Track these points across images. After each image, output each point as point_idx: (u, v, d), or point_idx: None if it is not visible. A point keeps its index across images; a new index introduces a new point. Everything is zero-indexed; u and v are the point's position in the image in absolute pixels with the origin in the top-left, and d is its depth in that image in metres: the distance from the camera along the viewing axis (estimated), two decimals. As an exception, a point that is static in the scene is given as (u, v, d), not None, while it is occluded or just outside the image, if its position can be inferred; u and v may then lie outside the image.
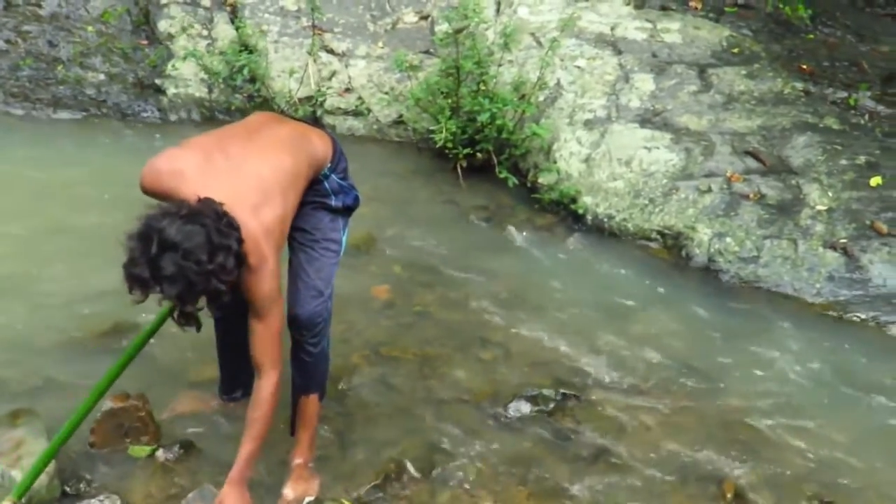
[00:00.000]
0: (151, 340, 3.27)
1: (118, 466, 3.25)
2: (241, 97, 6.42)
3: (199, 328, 2.79)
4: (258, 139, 2.98)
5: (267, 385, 2.93)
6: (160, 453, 3.32)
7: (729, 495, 3.49)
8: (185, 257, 2.50)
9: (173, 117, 6.36)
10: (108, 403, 3.33)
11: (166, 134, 6.05)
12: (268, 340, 2.90)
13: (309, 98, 6.46)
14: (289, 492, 3.24)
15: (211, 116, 6.42)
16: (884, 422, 4.06)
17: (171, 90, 6.45)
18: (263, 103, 6.31)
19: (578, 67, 6.24)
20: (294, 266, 3.19)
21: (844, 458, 3.76)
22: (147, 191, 2.84)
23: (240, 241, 2.62)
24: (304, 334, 3.16)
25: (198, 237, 2.52)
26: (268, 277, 2.79)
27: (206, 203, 2.61)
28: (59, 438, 2.98)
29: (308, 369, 3.22)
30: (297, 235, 3.17)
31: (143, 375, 3.64)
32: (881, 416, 4.09)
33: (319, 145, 3.13)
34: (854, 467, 3.71)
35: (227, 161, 2.83)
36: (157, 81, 6.49)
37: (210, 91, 6.46)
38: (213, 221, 2.56)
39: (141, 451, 3.31)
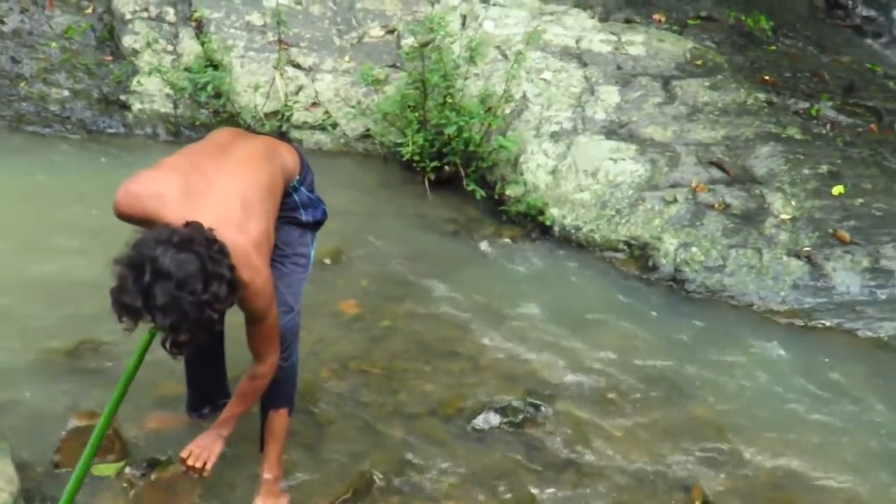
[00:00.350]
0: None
1: (85, 485, 3.20)
2: (206, 112, 6.39)
3: (189, 355, 2.81)
4: (231, 155, 2.96)
5: (270, 363, 3.02)
6: (128, 471, 3.29)
7: (697, 502, 3.52)
8: (180, 287, 2.46)
9: (139, 133, 6.32)
10: (73, 421, 3.30)
11: (132, 150, 6.01)
12: (269, 335, 2.97)
13: (275, 113, 6.44)
14: None
15: (177, 132, 6.39)
16: (850, 427, 4.10)
17: (137, 106, 6.41)
18: (230, 119, 6.29)
19: (544, 80, 6.27)
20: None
21: (811, 463, 3.80)
22: (123, 215, 2.79)
23: (231, 268, 2.59)
24: None
25: (191, 266, 2.47)
26: (263, 287, 2.80)
27: (197, 229, 2.57)
28: (75, 481, 2.91)
29: (278, 384, 3.19)
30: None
31: (105, 392, 3.61)
32: (847, 421, 4.13)
33: (289, 157, 3.15)
34: (821, 473, 3.75)
35: (205, 180, 2.81)
36: (122, 97, 6.45)
37: (175, 107, 6.43)
38: (206, 249, 2.52)
39: (107, 468, 3.29)
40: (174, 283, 2.45)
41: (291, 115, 6.46)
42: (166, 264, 2.45)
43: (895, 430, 4.09)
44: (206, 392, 3.53)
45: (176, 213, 2.66)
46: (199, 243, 2.52)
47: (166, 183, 2.77)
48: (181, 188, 2.75)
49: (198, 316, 2.50)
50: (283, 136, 6.39)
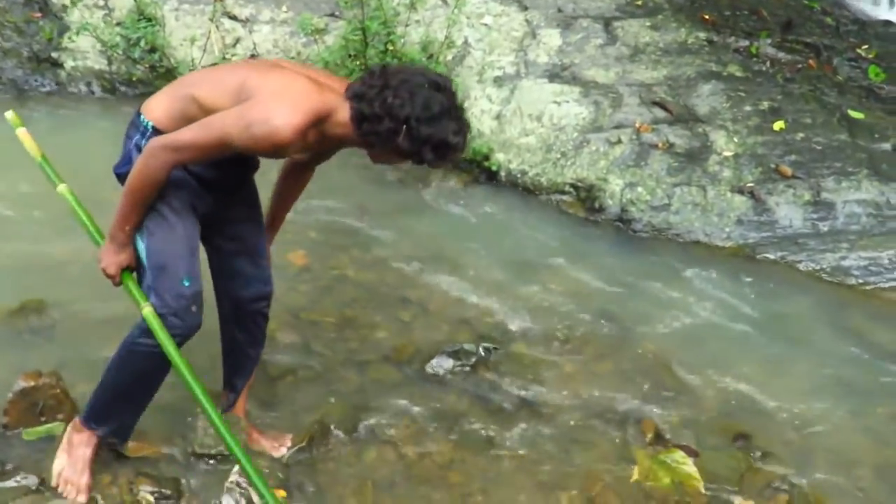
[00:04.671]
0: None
1: (35, 446, 3.17)
2: (142, 68, 6.25)
3: None
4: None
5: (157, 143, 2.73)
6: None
7: (649, 435, 3.57)
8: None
9: (73, 90, 6.17)
10: (20, 383, 3.24)
11: (67, 108, 5.88)
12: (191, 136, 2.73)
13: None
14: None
15: (112, 88, 6.24)
16: (793, 354, 4.19)
17: (69, 63, 6.25)
18: (167, 73, 6.16)
19: (485, 25, 6.23)
20: (254, 244, 3.15)
21: (758, 392, 3.88)
22: (298, 135, 2.60)
23: None
24: (267, 306, 3.23)
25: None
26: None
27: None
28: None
29: (265, 335, 3.26)
30: (252, 213, 3.15)
31: (53, 353, 3.57)
32: (792, 351, 4.22)
33: None
34: (768, 401, 3.83)
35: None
36: (54, 55, 6.27)
37: (110, 63, 6.27)
38: None
39: (58, 428, 3.23)
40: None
41: (230, 68, 6.34)
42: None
43: (838, 359, 4.19)
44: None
45: (337, 93, 2.70)
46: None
47: (300, 83, 2.68)
48: (304, 78, 2.71)
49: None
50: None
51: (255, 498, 3.03)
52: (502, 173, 5.51)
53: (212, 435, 3.25)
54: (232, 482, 3.10)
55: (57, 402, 3.28)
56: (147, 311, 2.76)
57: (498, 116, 5.72)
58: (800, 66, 6.21)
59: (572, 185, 5.38)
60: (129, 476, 3.12)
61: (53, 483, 3.02)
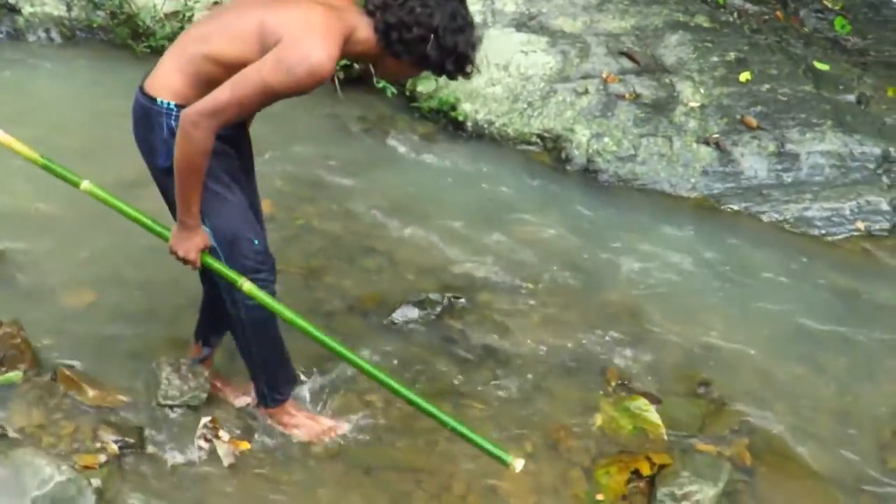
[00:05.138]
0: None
1: (-5, 397, 3.15)
2: (103, 14, 6.12)
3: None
4: None
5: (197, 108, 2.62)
6: (36, 379, 3.22)
7: (613, 383, 3.61)
8: None
9: (31, 38, 6.02)
10: (-19, 332, 3.21)
11: (24, 54, 5.76)
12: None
13: (176, 13, 6.20)
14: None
15: (72, 35, 6.11)
16: (756, 304, 4.23)
17: (27, 9, 6.09)
18: (128, 20, 6.04)
19: (452, -27, 6.15)
20: (258, 199, 3.16)
21: (721, 341, 3.93)
22: (335, 63, 2.58)
23: None
24: None
25: None
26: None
27: None
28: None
29: None
30: (252, 164, 3.13)
31: (12, 302, 3.53)
32: (754, 298, 4.27)
33: None
34: (730, 349, 3.88)
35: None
36: (11, 1, 6.12)
37: (69, 9, 6.14)
38: None
39: (16, 377, 3.20)
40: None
41: (192, 15, 6.22)
42: None
43: (800, 308, 4.24)
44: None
45: (344, 13, 2.66)
46: None
47: (313, 14, 2.59)
48: (317, 5, 2.63)
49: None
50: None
51: (224, 446, 3.05)
52: (469, 124, 5.48)
53: (176, 386, 3.25)
54: (201, 430, 3.11)
55: (18, 351, 3.25)
56: (247, 286, 2.80)
57: (465, 66, 5.67)
58: (766, 17, 6.22)
59: (539, 136, 5.37)
60: (92, 424, 3.10)
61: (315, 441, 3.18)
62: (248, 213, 2.89)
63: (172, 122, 2.65)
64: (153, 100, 2.69)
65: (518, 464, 2.73)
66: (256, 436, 3.20)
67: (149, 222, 2.90)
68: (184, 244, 2.76)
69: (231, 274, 2.82)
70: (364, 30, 2.67)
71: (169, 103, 2.67)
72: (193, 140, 2.54)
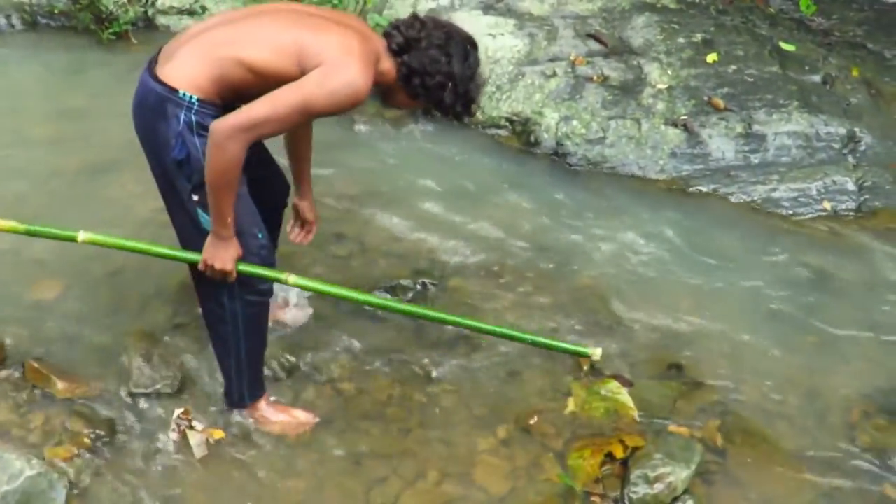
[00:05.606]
0: None
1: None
2: (64, 0, 6.04)
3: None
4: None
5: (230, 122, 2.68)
6: (4, 373, 3.19)
7: (585, 367, 3.61)
8: None
9: (-9, 24, 5.95)
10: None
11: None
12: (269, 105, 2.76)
13: (139, -3, 6.14)
14: None
15: (33, 21, 6.03)
16: (726, 284, 4.25)
17: (-13, -5, 6.01)
18: (90, 5, 5.95)
19: (419, -45, 6.12)
20: (267, 156, 3.35)
21: (692, 323, 3.94)
22: (370, 89, 2.73)
23: None
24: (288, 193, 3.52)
25: None
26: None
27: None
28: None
29: None
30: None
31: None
32: (724, 280, 4.29)
33: None
34: (701, 331, 3.90)
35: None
36: (-30, -13, 6.03)
37: (30, -6, 6.06)
38: None
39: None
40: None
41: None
42: None
43: (769, 288, 4.26)
44: None
45: (372, 43, 2.79)
46: None
47: (351, 41, 2.70)
48: (352, 31, 2.75)
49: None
50: (149, 22, 6.13)
51: (196, 436, 3.05)
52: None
53: (147, 374, 3.24)
54: (175, 420, 3.10)
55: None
56: (293, 279, 2.94)
57: (432, 49, 5.64)
58: (733, -3, 6.23)
59: (508, 119, 5.36)
60: (63, 416, 3.08)
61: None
62: (251, 205, 2.89)
63: (192, 116, 2.66)
64: (173, 90, 2.66)
65: (597, 352, 3.23)
66: (230, 425, 3.18)
67: (169, 252, 2.94)
68: (221, 256, 2.78)
69: (273, 274, 2.94)
70: (386, 62, 2.81)
71: (192, 96, 2.66)
72: (228, 152, 2.56)
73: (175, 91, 2.66)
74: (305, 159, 3.40)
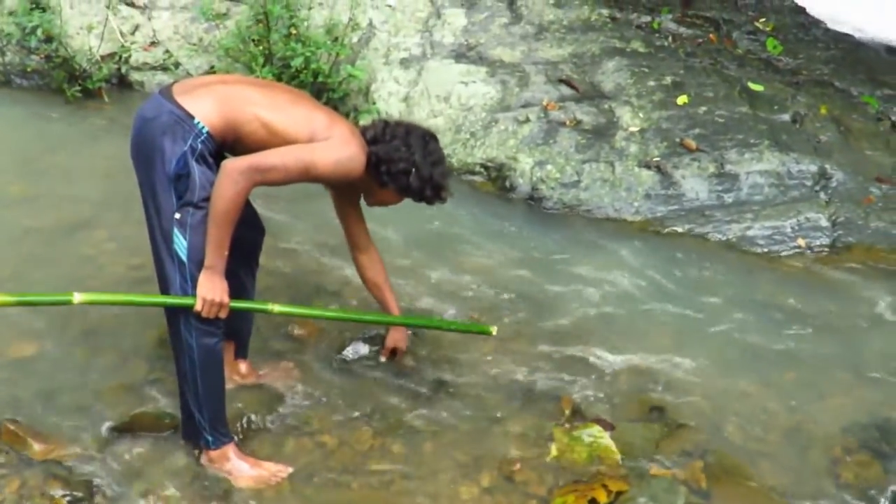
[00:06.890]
0: None
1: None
2: (37, 58, 6.06)
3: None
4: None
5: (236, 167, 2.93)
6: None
7: (567, 412, 3.60)
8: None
9: (-36, 83, 5.95)
10: None
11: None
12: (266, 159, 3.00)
13: (112, 55, 6.16)
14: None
15: (7, 80, 6.04)
16: (704, 324, 4.27)
17: (-40, 55, 6.02)
18: (63, 63, 5.97)
19: (389, 6, 6.18)
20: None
21: (671, 362, 3.94)
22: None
23: None
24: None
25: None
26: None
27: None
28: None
29: None
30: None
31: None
32: (702, 318, 4.30)
33: None
34: (680, 372, 3.89)
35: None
36: (-57, 47, 6.04)
37: (3, 54, 6.07)
38: None
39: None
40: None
41: (129, 56, 6.20)
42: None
43: (747, 327, 4.28)
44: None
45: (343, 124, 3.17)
46: None
47: (348, 129, 3.13)
48: (346, 124, 3.18)
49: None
50: (122, 79, 6.15)
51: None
52: (412, 155, 5.47)
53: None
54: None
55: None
56: (277, 308, 3.25)
57: (406, 98, 5.69)
58: (700, 40, 6.32)
59: (483, 165, 5.39)
60: (39, 480, 3.03)
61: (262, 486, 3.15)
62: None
63: (198, 144, 2.90)
64: (190, 116, 2.91)
65: (494, 329, 3.60)
66: (210, 478, 3.14)
67: (164, 300, 3.01)
68: (217, 288, 2.94)
69: (256, 304, 3.37)
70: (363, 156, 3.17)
71: (204, 127, 2.91)
72: (238, 186, 2.83)
73: (191, 117, 2.90)
74: (381, 286, 3.68)
